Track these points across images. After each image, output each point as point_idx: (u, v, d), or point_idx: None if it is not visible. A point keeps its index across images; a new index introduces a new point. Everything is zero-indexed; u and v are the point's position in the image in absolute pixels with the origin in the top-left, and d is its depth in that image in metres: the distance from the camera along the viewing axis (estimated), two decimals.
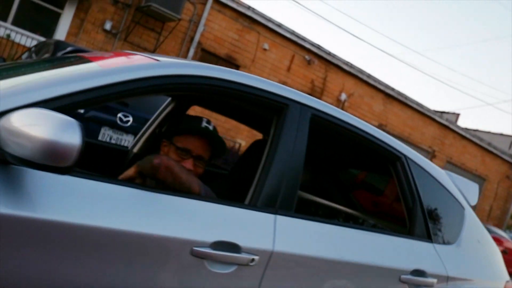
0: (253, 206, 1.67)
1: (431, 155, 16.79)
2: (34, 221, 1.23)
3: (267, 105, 1.82)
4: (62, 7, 10.93)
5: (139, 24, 11.43)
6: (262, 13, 12.77)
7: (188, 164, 1.73)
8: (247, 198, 1.69)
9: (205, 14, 12.07)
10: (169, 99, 3.02)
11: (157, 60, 1.63)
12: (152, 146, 2.94)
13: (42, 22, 10.92)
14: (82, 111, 5.20)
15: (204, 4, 12.08)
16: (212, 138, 1.80)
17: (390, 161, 2.20)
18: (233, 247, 1.56)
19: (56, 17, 10.96)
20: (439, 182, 2.35)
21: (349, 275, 1.84)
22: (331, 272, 1.79)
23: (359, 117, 2.42)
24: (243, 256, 1.57)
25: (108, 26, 11.17)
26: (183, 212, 1.50)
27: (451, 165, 17.41)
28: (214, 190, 1.78)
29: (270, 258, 1.63)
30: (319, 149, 2.96)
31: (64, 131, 1.15)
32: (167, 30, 11.77)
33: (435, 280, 2.11)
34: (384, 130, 12.80)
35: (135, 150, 3.01)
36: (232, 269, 1.56)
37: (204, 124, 1.82)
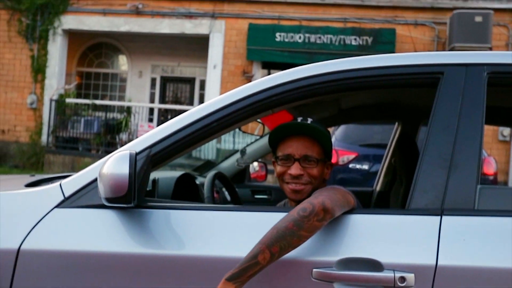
0: (402, 208, 1.28)
1: None
2: (172, 258, 1.28)
3: (415, 84, 1.43)
4: None
5: None
6: None
7: (295, 169, 1.48)
8: (391, 199, 1.31)
9: None
10: (396, 124, 2.72)
11: None
12: (393, 179, 2.66)
13: None
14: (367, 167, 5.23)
15: None
16: (312, 131, 1.51)
17: None
18: (371, 264, 1.21)
19: None
20: None
21: None
22: None
23: None
24: (385, 274, 1.18)
25: None
26: None
27: None
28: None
29: (434, 276, 1.18)
30: None
31: (116, 163, 1.22)
32: None
33: None
34: None
35: (378, 188, 2.79)
36: None
37: (298, 120, 1.56)
